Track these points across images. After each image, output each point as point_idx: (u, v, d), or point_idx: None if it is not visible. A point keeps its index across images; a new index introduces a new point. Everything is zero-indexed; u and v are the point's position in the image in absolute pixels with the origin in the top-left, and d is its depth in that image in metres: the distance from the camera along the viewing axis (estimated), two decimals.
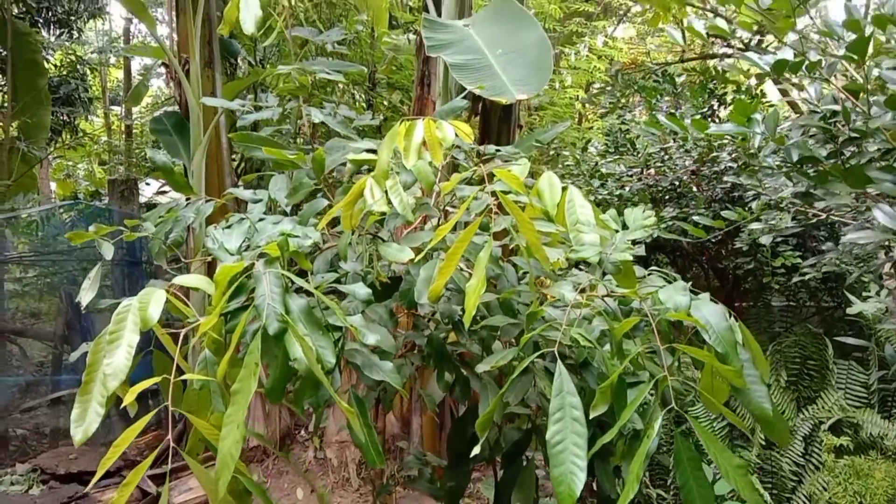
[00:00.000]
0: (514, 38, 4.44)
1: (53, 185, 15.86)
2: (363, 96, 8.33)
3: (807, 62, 1.72)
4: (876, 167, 1.64)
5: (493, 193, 2.33)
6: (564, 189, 2.34)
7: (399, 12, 9.38)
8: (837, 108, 1.75)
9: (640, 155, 4.95)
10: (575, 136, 9.63)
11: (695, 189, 4.86)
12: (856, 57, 1.58)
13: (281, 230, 2.19)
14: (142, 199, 14.05)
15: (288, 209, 2.77)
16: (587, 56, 10.41)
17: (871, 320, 3.99)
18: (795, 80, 1.95)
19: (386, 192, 2.32)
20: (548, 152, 7.59)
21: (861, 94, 1.71)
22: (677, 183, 4.84)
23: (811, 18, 1.80)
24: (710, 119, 5.42)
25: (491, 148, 3.90)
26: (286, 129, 3.63)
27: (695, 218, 2.52)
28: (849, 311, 3.06)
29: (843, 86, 1.79)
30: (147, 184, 13.44)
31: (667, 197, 5.17)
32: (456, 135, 2.43)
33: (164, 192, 11.47)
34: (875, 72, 1.64)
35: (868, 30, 1.80)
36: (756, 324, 5.39)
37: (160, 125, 6.55)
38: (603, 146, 5.89)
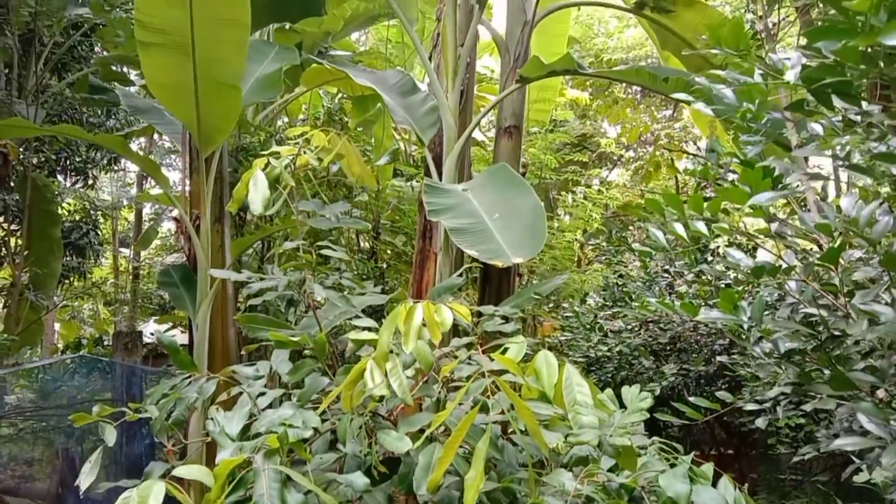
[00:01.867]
0: (510, 203, 4.66)
1: (58, 326, 15.98)
2: (367, 244, 8.57)
3: (784, 265, 1.82)
4: (859, 368, 1.71)
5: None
6: (561, 366, 2.40)
7: (404, 165, 9.85)
8: (814, 312, 1.85)
9: (637, 309, 5.03)
10: (574, 280, 9.80)
11: (695, 344, 4.91)
12: (829, 265, 1.68)
13: (281, 419, 2.22)
14: (146, 340, 14.09)
15: (289, 384, 2.81)
16: (583, 202, 10.81)
17: (882, 487, 3.89)
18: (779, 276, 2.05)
19: (386, 374, 2.38)
20: (546, 303, 7.70)
21: (839, 296, 1.80)
22: (677, 337, 4.89)
23: (782, 220, 1.92)
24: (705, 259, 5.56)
25: (489, 308, 3.98)
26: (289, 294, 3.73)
27: (691, 399, 2.56)
28: (856, 478, 3.01)
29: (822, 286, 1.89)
30: (145, 327, 13.52)
31: (668, 349, 5.21)
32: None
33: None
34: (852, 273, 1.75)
35: (839, 231, 1.92)
36: (764, 482, 5.25)
37: (168, 278, 6.71)
38: (601, 299, 6.00)
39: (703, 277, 4.95)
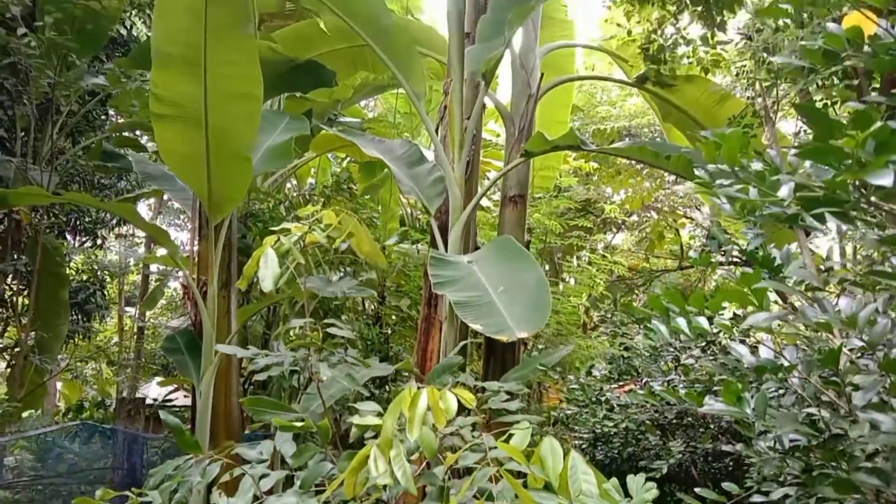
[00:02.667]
0: (515, 276, 4.70)
1: (60, 385, 15.88)
2: (372, 308, 8.59)
3: (786, 363, 1.85)
4: (864, 468, 1.71)
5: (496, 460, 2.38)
6: (566, 454, 2.39)
7: (410, 230, 9.95)
8: (815, 412, 1.86)
9: (643, 382, 5.01)
10: (579, 346, 9.75)
11: (702, 419, 4.86)
12: (830, 367, 1.70)
13: None
14: (148, 400, 13.98)
15: (293, 466, 2.80)
16: (587, 267, 10.85)
17: None
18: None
19: (390, 461, 2.38)
20: (552, 374, 7.66)
21: (841, 390, 1.81)
22: (684, 413, 4.85)
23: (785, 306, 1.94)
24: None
25: (494, 385, 3.97)
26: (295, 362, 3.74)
27: (696, 490, 2.53)
28: None
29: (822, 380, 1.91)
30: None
31: (674, 424, 5.16)
32: (459, 402, 2.52)
33: None
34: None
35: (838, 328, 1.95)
36: None
37: (173, 344, 6.72)
38: (607, 371, 5.98)
39: (710, 350, 4.95)
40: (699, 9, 6.76)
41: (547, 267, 13.86)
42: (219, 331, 6.45)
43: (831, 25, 1.69)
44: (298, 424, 2.64)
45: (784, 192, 1.37)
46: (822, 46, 1.65)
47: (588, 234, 12.10)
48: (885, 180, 1.12)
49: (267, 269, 3.29)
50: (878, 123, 1.27)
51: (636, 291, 14.30)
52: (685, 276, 12.64)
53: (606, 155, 14.26)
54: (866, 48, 1.64)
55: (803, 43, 1.66)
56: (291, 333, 6.45)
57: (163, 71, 5.60)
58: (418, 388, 2.54)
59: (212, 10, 5.44)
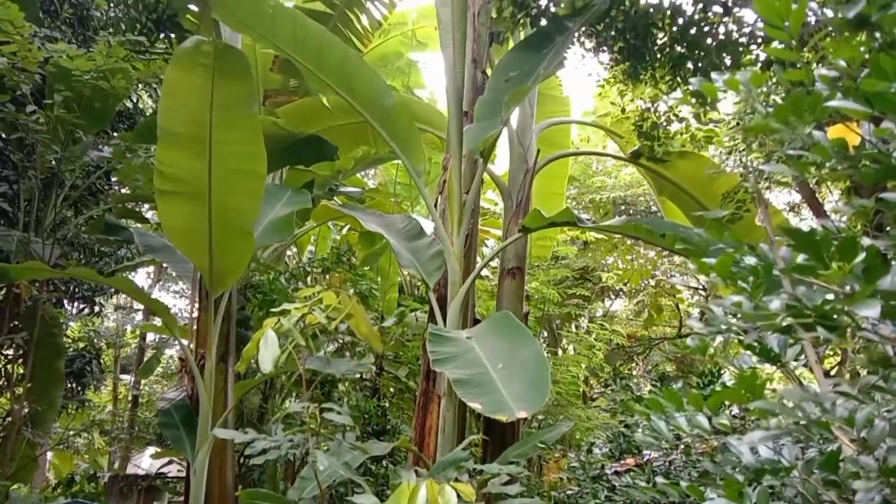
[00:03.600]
0: (514, 353, 4.70)
1: (50, 455, 15.57)
2: (370, 381, 8.53)
3: (785, 463, 1.85)
4: None
5: None
6: None
7: (408, 300, 9.98)
8: None
9: (646, 461, 4.95)
10: (579, 419, 9.66)
11: None
12: (829, 471, 1.71)
13: None
14: (140, 472, 13.70)
15: None
16: (586, 336, 10.85)
17: None
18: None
19: None
20: (553, 453, 7.57)
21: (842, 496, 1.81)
22: (687, 495, 4.77)
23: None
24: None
25: (493, 467, 3.93)
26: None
27: None
28: None
29: None
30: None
31: None
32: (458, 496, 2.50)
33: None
34: None
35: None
36: None
37: (169, 419, 6.65)
38: (608, 449, 5.91)
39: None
40: (691, 87, 6.98)
41: (546, 334, 13.84)
42: (215, 405, 6.39)
43: (817, 134, 1.76)
44: None
45: (776, 305, 1.41)
46: (808, 156, 1.72)
47: (586, 301, 12.14)
48: (872, 311, 1.15)
49: (267, 351, 3.30)
50: (866, 241, 1.32)
51: (635, 360, 14.25)
52: (685, 347, 12.61)
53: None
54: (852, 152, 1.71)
55: (791, 152, 1.73)
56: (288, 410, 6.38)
57: (168, 148, 5.73)
58: (416, 476, 2.52)
59: (218, 90, 5.60)
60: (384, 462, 7.30)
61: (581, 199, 14.88)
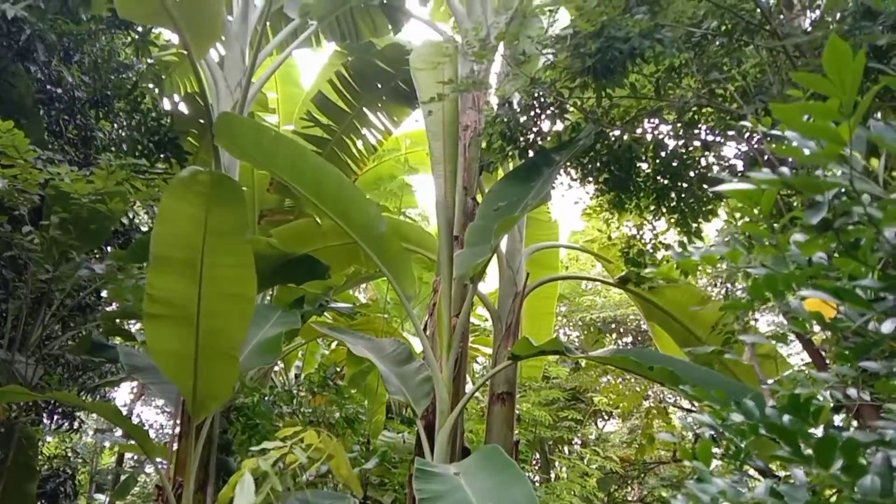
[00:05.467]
0: (503, 491, 4.56)
1: None
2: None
3: None
4: None
5: None
6: None
7: (395, 424, 9.78)
8: None
9: None
10: None
11: None
12: None
13: None
14: None
15: None
16: (578, 462, 10.55)
17: None
18: None
19: None
20: None
21: None
22: None
23: None
24: None
25: None
26: None
27: None
28: None
29: None
30: None
31: None
32: None
33: None
34: None
35: None
36: None
37: None
38: None
39: None
40: (675, 216, 7.18)
41: (538, 456, 13.46)
42: None
43: (794, 303, 1.80)
44: None
45: (760, 490, 1.39)
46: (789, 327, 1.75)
47: (578, 424, 11.89)
48: None
49: (242, 497, 3.19)
50: (846, 435, 1.32)
51: (629, 485, 13.78)
52: (680, 470, 12.26)
53: (597, 334, 14.46)
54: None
55: (771, 328, 1.76)
56: None
57: (160, 273, 5.77)
58: None
59: (213, 217, 5.71)
60: None
61: (571, 317, 14.89)
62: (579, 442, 13.50)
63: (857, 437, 1.27)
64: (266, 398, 7.42)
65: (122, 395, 17.79)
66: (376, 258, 6.26)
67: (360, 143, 10.35)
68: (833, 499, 1.42)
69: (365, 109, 10.02)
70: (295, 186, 6.16)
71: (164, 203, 5.83)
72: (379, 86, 9.70)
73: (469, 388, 9.94)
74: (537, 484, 11.48)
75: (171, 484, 6.35)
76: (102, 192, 6.84)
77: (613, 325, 15.11)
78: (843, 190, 1.29)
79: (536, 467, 13.59)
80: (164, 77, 9.85)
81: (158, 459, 6.67)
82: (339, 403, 7.49)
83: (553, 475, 13.02)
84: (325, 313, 10.60)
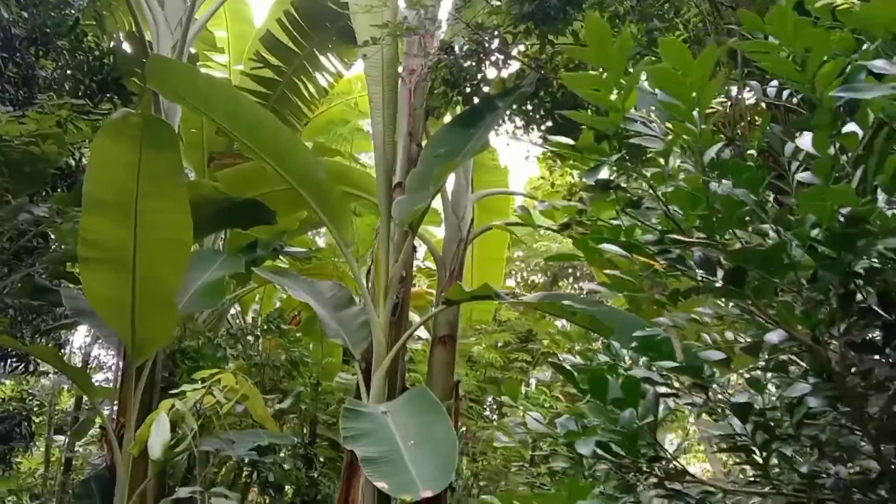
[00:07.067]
0: (426, 430, 4.74)
1: None
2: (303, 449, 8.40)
3: None
4: None
5: None
6: None
7: (353, 368, 9.92)
8: None
9: None
10: (517, 485, 9.59)
11: None
12: None
13: None
14: None
15: None
16: (525, 403, 10.86)
17: None
18: None
19: None
20: None
21: None
22: None
23: None
24: None
25: None
26: None
27: None
28: None
29: None
30: None
31: None
32: None
33: None
34: None
35: None
36: None
37: (86, 490, 6.48)
38: None
39: None
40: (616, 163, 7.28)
41: (491, 399, 13.82)
42: (134, 475, 6.23)
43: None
44: None
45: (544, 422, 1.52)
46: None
47: (529, 366, 12.20)
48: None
49: (157, 437, 3.30)
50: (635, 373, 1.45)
51: None
52: None
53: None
54: None
55: None
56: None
57: (93, 216, 5.74)
58: None
59: (146, 159, 5.66)
60: None
61: (529, 261, 15.12)
62: (533, 382, 13.86)
63: (634, 373, 1.40)
64: (212, 342, 7.50)
65: (80, 336, 17.78)
66: (314, 204, 6.29)
67: (311, 86, 10.20)
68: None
69: (315, 51, 9.83)
70: (231, 132, 6.12)
71: (96, 145, 5.77)
72: (328, 26, 9.50)
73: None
74: (495, 423, 11.87)
75: (115, 424, 6.46)
76: (36, 135, 6.70)
77: (570, 270, 15.38)
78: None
79: (494, 407, 13.96)
80: (105, 14, 9.54)
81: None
82: (284, 346, 7.61)
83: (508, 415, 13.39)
84: (282, 258, 10.63)
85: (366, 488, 5.63)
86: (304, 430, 8.70)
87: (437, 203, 7.64)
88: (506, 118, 7.09)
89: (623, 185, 1.61)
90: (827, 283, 1.43)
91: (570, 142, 1.57)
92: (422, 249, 9.53)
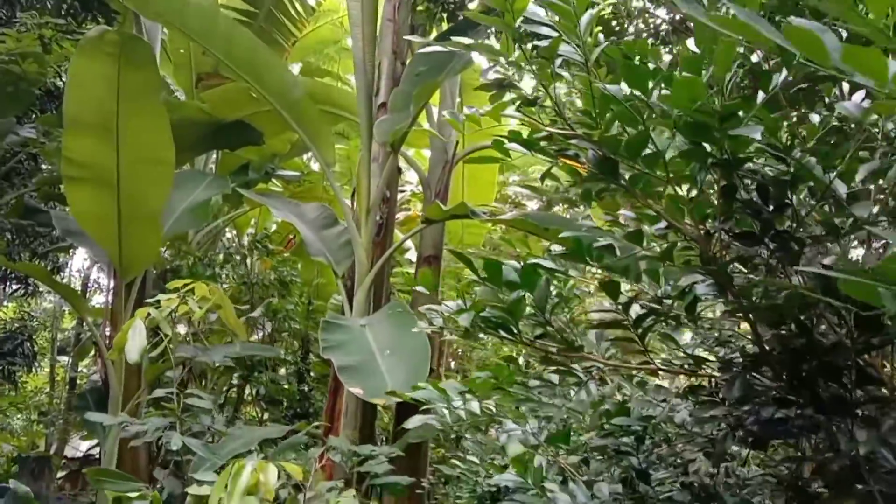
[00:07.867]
0: (402, 340, 4.91)
1: None
2: (294, 367, 8.67)
3: None
4: None
5: None
6: None
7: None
8: None
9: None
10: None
11: None
12: None
13: None
14: (78, 454, 13.68)
15: None
16: None
17: None
18: None
19: None
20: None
21: None
22: None
23: None
24: None
25: (365, 448, 4.15)
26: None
27: None
28: None
29: None
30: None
31: None
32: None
33: None
34: None
35: None
36: None
37: (84, 402, 6.75)
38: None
39: None
40: None
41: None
42: (127, 388, 6.49)
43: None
44: (134, 495, 2.78)
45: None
46: None
47: None
48: None
49: (133, 341, 3.45)
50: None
51: None
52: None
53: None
54: None
55: None
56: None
57: (75, 135, 5.78)
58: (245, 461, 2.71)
59: (125, 78, 5.66)
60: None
61: (524, 184, 15.13)
62: None
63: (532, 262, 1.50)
64: (202, 260, 7.65)
65: (78, 259, 17.98)
66: (294, 123, 6.30)
67: (297, 4, 10.01)
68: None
69: None
70: (208, 49, 6.07)
71: (75, 64, 5.76)
72: None
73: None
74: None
75: (107, 340, 6.68)
76: (17, 53, 6.66)
77: (567, 193, 15.36)
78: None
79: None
80: None
81: None
82: (273, 266, 7.76)
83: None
84: (276, 181, 10.66)
85: (349, 398, 5.85)
86: (297, 348, 8.94)
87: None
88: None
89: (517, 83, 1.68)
90: (698, 175, 1.51)
91: (469, 41, 1.62)
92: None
